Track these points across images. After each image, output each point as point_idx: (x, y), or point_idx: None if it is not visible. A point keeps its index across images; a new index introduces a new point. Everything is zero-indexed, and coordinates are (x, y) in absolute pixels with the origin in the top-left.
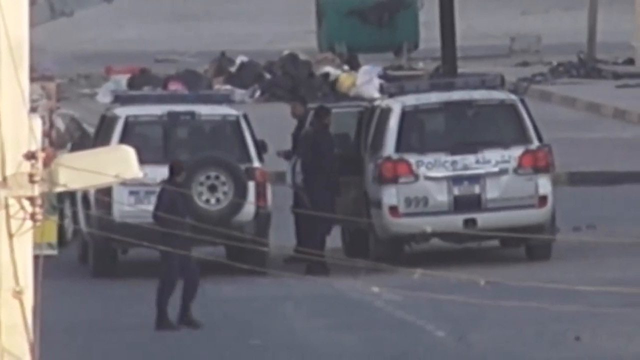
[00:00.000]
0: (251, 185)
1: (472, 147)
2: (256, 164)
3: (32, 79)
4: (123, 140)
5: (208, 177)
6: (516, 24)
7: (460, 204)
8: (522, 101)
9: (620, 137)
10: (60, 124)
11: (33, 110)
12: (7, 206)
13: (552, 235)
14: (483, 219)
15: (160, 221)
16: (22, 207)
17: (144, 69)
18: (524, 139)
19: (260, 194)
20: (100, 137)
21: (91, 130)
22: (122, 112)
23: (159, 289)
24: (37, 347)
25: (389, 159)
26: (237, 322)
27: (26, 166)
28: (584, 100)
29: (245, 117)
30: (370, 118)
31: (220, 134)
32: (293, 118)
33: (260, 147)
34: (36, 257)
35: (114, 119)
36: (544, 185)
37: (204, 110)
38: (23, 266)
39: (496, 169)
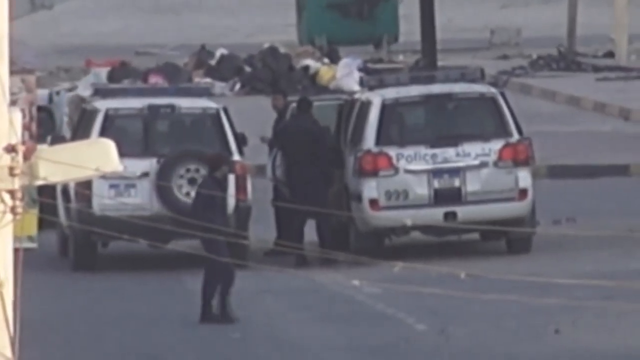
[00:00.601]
0: (231, 178)
1: (452, 140)
2: (236, 157)
3: (12, 72)
4: (103, 133)
5: (188, 170)
6: (496, 17)
7: (440, 197)
8: (502, 94)
9: (600, 130)
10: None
11: (13, 103)
12: None
13: (532, 228)
14: (463, 212)
15: (198, 216)
16: (2, 200)
17: (124, 62)
18: (504, 132)
19: (240, 187)
20: (81, 130)
21: None
22: (102, 105)
23: (221, 286)
24: (17, 340)
25: (369, 152)
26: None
27: (6, 159)
28: (564, 93)
29: (225, 110)
30: (350, 111)
31: (200, 127)
32: (274, 110)
33: (240, 140)
34: (16, 250)
35: (94, 112)
36: (524, 178)
37: (184, 103)
38: (3, 259)
39: (476, 162)
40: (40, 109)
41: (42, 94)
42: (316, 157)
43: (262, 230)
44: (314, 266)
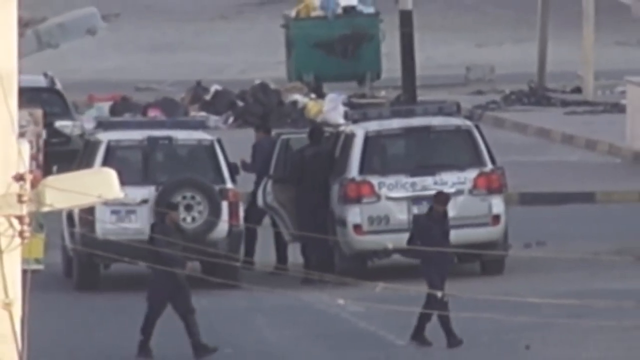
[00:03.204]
0: (224, 205)
1: (430, 170)
2: (229, 185)
3: (21, 106)
4: (105, 163)
5: (184, 197)
6: (472, 55)
7: None
8: (477, 127)
9: (568, 160)
10: None
11: (21, 135)
12: None
13: (505, 251)
14: None
15: (414, 249)
16: (11, 226)
17: (124, 97)
18: (478, 162)
19: (233, 213)
20: (84, 160)
21: None
22: (105, 137)
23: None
24: (25, 356)
25: (353, 180)
26: (211, 331)
27: (15, 187)
28: (534, 126)
29: (219, 141)
30: (336, 142)
31: (195, 157)
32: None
33: (233, 170)
34: (24, 271)
35: (97, 143)
36: (497, 205)
37: (181, 135)
38: (12, 280)
39: (453, 190)
40: None
41: None
42: (326, 184)
43: (258, 254)
44: (301, 286)
